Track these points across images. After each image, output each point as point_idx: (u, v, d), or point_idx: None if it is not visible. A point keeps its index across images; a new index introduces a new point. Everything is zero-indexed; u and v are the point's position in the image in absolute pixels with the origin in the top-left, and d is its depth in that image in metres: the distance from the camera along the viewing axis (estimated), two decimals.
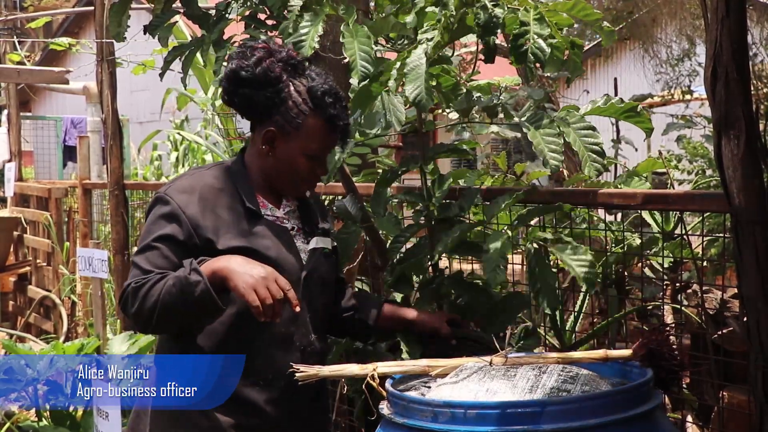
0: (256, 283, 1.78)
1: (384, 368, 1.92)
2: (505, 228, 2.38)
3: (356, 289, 2.41)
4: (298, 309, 1.84)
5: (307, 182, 2.12)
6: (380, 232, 2.75)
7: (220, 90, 2.15)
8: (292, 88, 2.04)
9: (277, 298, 1.79)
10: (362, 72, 2.26)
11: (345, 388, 2.97)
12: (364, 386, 1.92)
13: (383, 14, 2.42)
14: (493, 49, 2.23)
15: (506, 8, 2.14)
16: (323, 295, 2.18)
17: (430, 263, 2.50)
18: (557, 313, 2.81)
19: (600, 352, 1.91)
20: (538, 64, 2.13)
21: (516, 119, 2.39)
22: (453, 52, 2.54)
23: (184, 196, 1.98)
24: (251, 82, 2.00)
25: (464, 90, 2.48)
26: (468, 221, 2.58)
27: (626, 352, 1.88)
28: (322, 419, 2.25)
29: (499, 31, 2.17)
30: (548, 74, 3.32)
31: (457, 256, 2.78)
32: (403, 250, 2.51)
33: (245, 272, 1.80)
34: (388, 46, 2.57)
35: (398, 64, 2.20)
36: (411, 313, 2.29)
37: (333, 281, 2.25)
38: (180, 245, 1.93)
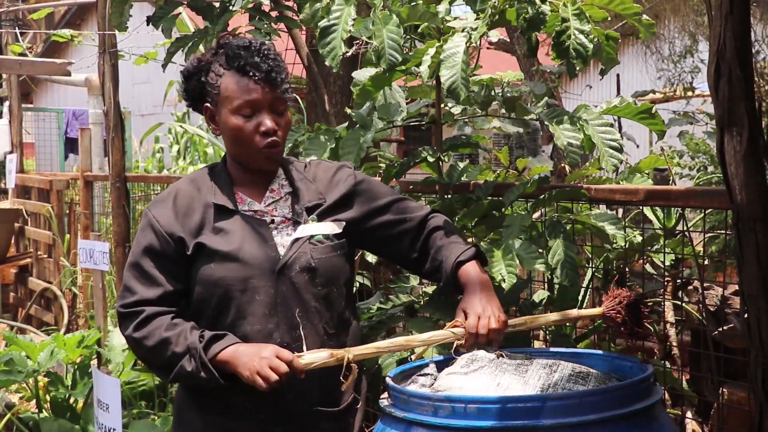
0: (259, 367, 1.87)
1: (358, 351, 1.88)
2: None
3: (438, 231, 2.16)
4: (302, 376, 1.90)
5: (259, 145, 2.01)
6: None
7: None
8: (214, 63, 2.06)
9: (281, 372, 1.86)
10: (390, 60, 2.25)
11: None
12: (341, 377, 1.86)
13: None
14: (536, 44, 2.24)
15: (548, 3, 2.15)
16: (319, 286, 2.02)
17: None
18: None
19: (573, 312, 2.09)
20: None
21: (533, 114, 2.39)
22: None
23: (159, 206, 2.07)
24: (187, 76, 2.10)
25: (483, 83, 2.47)
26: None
27: (597, 311, 2.06)
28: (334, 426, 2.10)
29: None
30: (549, 70, 3.31)
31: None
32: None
33: (248, 361, 1.90)
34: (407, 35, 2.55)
35: (431, 50, 2.17)
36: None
37: (340, 269, 2.07)
38: (158, 254, 2.03)
